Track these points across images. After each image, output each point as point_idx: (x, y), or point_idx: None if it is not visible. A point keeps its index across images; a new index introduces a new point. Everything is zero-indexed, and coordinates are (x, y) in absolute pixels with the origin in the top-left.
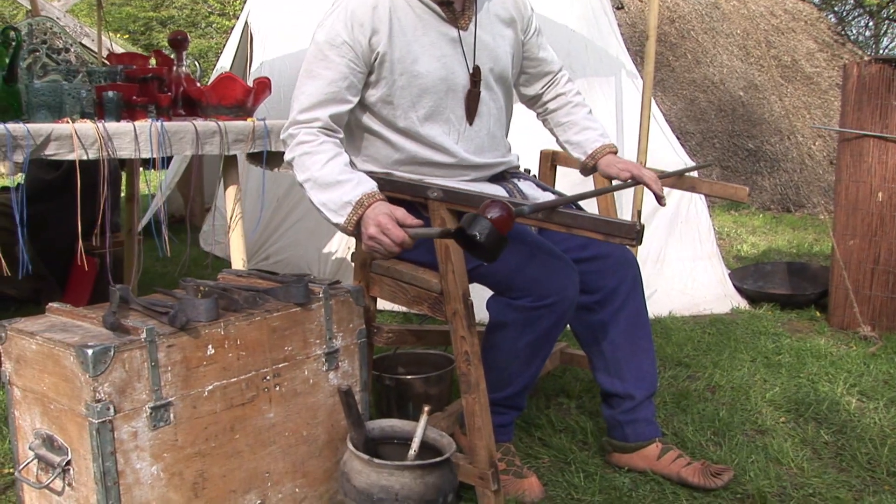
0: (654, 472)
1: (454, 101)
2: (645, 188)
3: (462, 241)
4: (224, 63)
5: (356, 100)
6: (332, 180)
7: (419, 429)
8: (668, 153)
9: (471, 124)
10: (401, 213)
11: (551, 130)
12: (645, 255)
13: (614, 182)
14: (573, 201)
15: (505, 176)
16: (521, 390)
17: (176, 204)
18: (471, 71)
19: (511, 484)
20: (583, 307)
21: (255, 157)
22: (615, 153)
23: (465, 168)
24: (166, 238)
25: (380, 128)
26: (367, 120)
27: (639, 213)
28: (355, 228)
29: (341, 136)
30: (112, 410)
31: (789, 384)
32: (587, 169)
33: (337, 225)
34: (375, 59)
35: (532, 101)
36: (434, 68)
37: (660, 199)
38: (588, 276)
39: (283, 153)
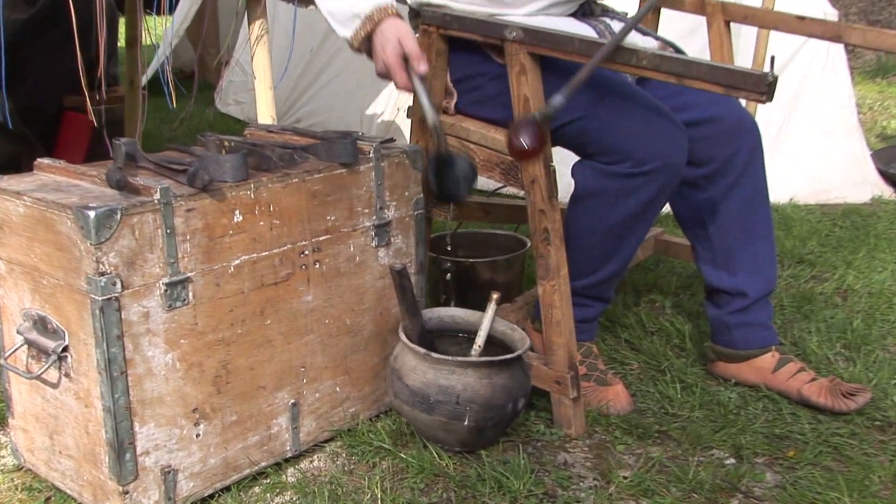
0: (769, 388)
1: None
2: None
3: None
4: None
5: None
6: None
7: (485, 320)
8: None
9: None
10: (410, 42)
11: None
12: (763, 125)
13: None
14: (612, 54)
15: (593, 10)
16: (608, 278)
17: (185, 57)
18: None
19: (593, 392)
20: (687, 183)
21: None
22: None
23: None
24: (171, 86)
25: None
26: None
27: (772, 59)
28: (363, 45)
29: None
30: (119, 286)
31: None
32: None
33: (345, 41)
34: None
35: None
36: None
37: None
38: (695, 144)
39: None
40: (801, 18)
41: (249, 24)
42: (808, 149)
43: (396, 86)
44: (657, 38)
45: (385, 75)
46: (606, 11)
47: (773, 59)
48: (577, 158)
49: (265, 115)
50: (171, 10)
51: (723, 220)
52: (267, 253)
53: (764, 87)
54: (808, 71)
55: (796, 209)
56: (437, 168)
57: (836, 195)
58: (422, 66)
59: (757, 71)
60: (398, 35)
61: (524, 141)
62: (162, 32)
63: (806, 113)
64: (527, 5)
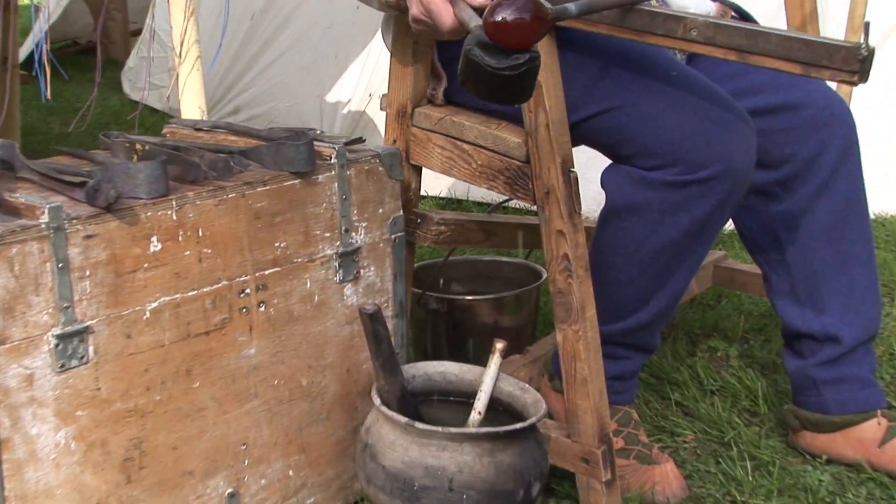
0: (874, 467)
1: None
2: None
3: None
4: None
5: None
6: None
7: (487, 377)
8: None
9: None
10: None
11: None
12: (861, 112)
13: None
14: None
15: None
16: (652, 321)
17: (81, 23)
18: None
19: (633, 472)
20: (757, 191)
21: None
22: None
23: None
24: (47, 70)
25: None
26: None
27: (866, 25)
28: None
29: None
30: None
31: None
32: None
33: None
34: None
35: None
36: None
37: None
38: (768, 140)
39: None
40: None
41: None
42: None
43: (440, 28)
44: None
45: (422, 28)
46: None
47: (867, 25)
48: (607, 161)
49: (191, 106)
50: None
51: (806, 239)
52: (195, 292)
53: (855, 63)
54: None
55: None
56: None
57: None
58: None
59: (846, 42)
60: None
61: (513, 10)
62: None
63: None
64: None
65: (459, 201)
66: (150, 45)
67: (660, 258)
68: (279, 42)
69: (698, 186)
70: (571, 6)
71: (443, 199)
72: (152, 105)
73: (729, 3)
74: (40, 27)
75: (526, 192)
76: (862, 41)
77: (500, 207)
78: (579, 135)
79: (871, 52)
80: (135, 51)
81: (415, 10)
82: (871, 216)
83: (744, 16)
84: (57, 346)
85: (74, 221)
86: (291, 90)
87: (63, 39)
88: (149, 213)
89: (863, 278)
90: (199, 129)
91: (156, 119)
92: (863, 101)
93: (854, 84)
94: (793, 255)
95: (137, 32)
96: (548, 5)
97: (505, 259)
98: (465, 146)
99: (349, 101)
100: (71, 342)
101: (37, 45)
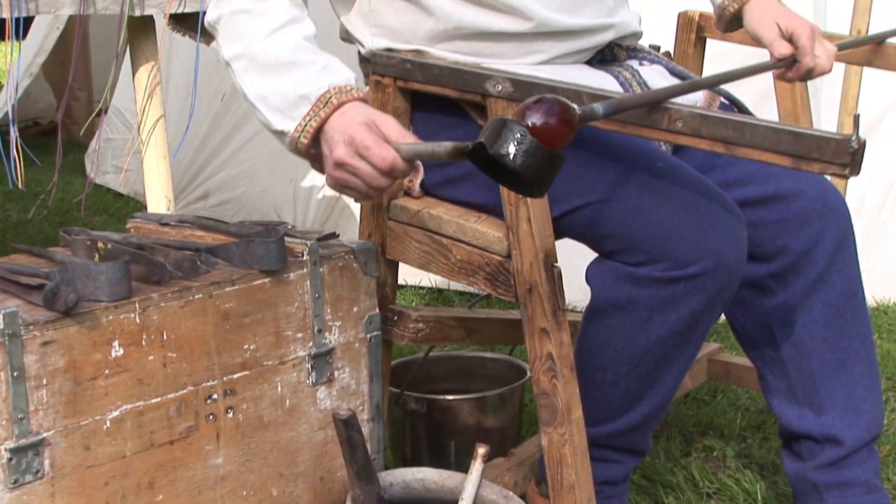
0: None
1: None
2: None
3: (484, 164)
4: None
5: None
6: (282, 59)
7: (469, 484)
8: None
9: None
10: (391, 124)
11: None
12: (860, 197)
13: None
14: (689, 90)
15: (616, 55)
16: (642, 422)
17: (42, 103)
18: None
19: None
20: (750, 285)
21: (183, 22)
22: None
23: (546, 38)
24: (16, 156)
25: None
26: None
27: (856, 117)
28: (312, 144)
29: None
30: None
31: None
32: (727, 16)
33: (280, 135)
34: None
35: None
36: None
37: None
38: (760, 232)
39: None
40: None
41: (134, 71)
42: None
43: (366, 180)
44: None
45: (343, 182)
46: (635, 51)
47: (857, 117)
48: (592, 254)
49: (157, 196)
50: (20, 34)
51: (802, 335)
52: (158, 399)
53: (846, 156)
54: None
55: None
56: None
57: None
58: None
59: (836, 135)
60: (369, 115)
61: (541, 114)
62: (6, 68)
63: None
64: (525, 56)
65: (440, 290)
66: (111, 125)
67: (649, 357)
68: (251, 124)
69: (687, 283)
70: (598, 107)
71: (423, 288)
72: (118, 190)
73: (719, 89)
74: (2, 108)
75: (507, 289)
76: (852, 134)
77: (483, 300)
78: (562, 228)
79: (863, 145)
80: (99, 132)
81: (335, 159)
82: (873, 304)
83: (733, 101)
84: (10, 460)
85: (31, 327)
86: (263, 174)
87: (24, 120)
88: (110, 317)
89: (863, 376)
90: (165, 224)
91: (121, 204)
92: (859, 185)
93: (846, 177)
94: (789, 353)
95: (102, 111)
96: (575, 107)
97: (487, 355)
98: (444, 240)
99: (323, 185)
100: (25, 456)
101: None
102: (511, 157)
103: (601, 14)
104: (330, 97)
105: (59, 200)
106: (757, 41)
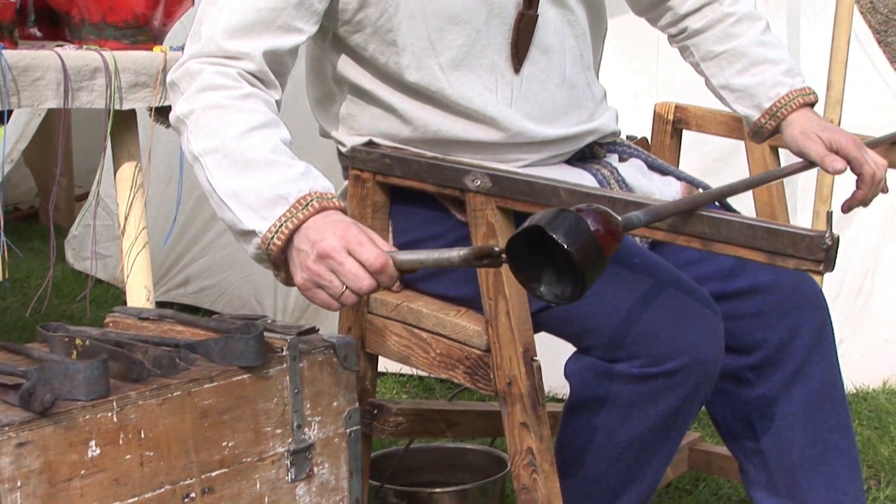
0: None
1: (500, 34)
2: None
3: (521, 262)
4: None
5: (311, 31)
6: (259, 158)
7: None
8: (889, 105)
9: (517, 71)
10: (378, 237)
11: (697, 66)
12: (838, 283)
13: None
14: (721, 197)
15: (595, 153)
16: None
17: (22, 188)
18: None
19: None
20: (729, 376)
21: (166, 114)
22: (813, 106)
23: (523, 147)
24: (2, 247)
25: (374, 85)
26: (350, 71)
27: (828, 214)
28: (285, 247)
29: (279, 95)
30: None
31: None
32: (764, 133)
33: (248, 235)
34: None
35: (656, 14)
36: None
37: (868, 189)
38: (738, 324)
39: None
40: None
41: (116, 167)
42: None
43: (350, 283)
44: (681, 178)
45: (319, 284)
46: (615, 145)
47: (829, 214)
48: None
49: (137, 287)
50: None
51: (782, 428)
52: (135, 499)
53: (820, 252)
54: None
55: (893, 397)
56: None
57: None
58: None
59: (810, 231)
60: (345, 232)
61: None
62: None
63: (895, 264)
64: (503, 163)
65: (421, 378)
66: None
67: (629, 452)
68: None
69: (665, 379)
70: (640, 215)
71: (403, 376)
72: (98, 277)
73: (696, 182)
74: None
75: (487, 383)
76: (826, 231)
77: (464, 391)
78: (540, 323)
79: (836, 241)
80: (79, 218)
81: (305, 275)
82: (851, 390)
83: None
84: None
85: (6, 429)
86: (245, 261)
87: (5, 205)
88: (87, 416)
89: (844, 468)
90: (145, 318)
91: (100, 290)
92: (837, 273)
93: (820, 273)
94: (768, 445)
95: (83, 197)
96: (616, 217)
97: (468, 446)
98: (423, 334)
99: None
100: None
101: None
102: (568, 246)
103: (581, 121)
104: (311, 200)
105: (38, 287)
106: (801, 156)
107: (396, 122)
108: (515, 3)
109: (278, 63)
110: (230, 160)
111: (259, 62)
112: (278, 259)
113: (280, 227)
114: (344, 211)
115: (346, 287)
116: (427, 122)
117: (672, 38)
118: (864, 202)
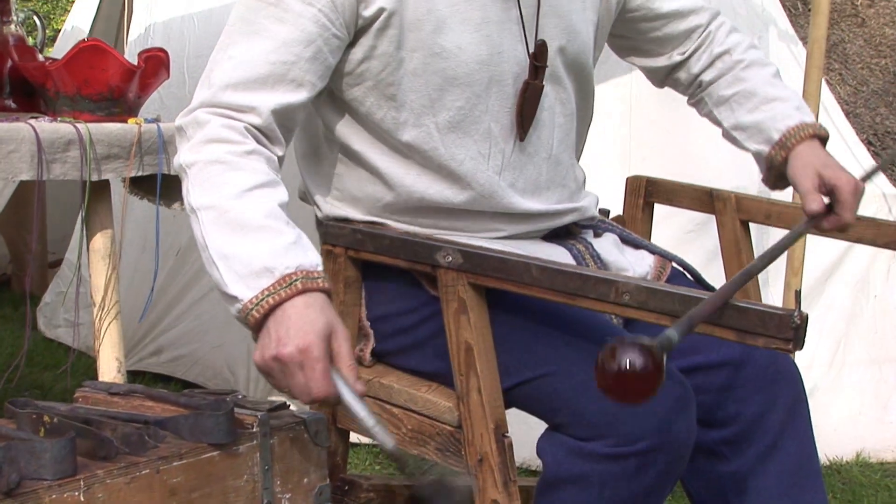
0: None
1: (498, 101)
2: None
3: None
4: (78, 22)
5: (321, 85)
6: (252, 222)
7: None
8: (846, 163)
9: (522, 139)
10: (345, 345)
11: (711, 114)
12: (809, 355)
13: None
14: (749, 278)
15: (570, 230)
16: None
17: None
18: (531, 50)
19: None
20: (703, 451)
21: (140, 185)
22: (824, 140)
23: (504, 218)
24: None
25: (363, 146)
26: (341, 130)
27: (797, 293)
28: (263, 319)
29: (282, 151)
30: None
31: None
32: (776, 166)
33: (231, 299)
34: (372, 21)
35: (674, 81)
36: (471, 43)
37: (830, 227)
38: (711, 399)
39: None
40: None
41: (90, 237)
42: (876, 384)
43: (294, 389)
44: (654, 252)
45: (271, 373)
46: (593, 220)
47: (797, 293)
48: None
49: (109, 360)
50: None
51: (757, 502)
52: None
53: (789, 331)
54: (868, 276)
55: (867, 469)
56: None
57: None
58: (358, 385)
59: (779, 310)
60: (329, 322)
61: (632, 360)
62: None
63: (866, 335)
64: (483, 232)
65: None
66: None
67: None
68: (206, 280)
69: (637, 459)
70: (673, 333)
71: (376, 447)
72: (69, 344)
73: (669, 255)
74: None
75: (458, 459)
76: (794, 309)
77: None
78: (512, 400)
79: (805, 320)
80: (52, 285)
81: (272, 353)
82: (825, 462)
83: (685, 267)
84: None
85: None
86: (217, 331)
87: None
88: (53, 496)
89: None
90: (115, 394)
91: (76, 361)
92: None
93: (790, 351)
94: None
95: (56, 264)
96: (654, 345)
97: None
98: (394, 410)
99: None
100: None
101: None
102: None
103: (563, 199)
104: (295, 280)
105: (9, 356)
106: (795, 188)
107: (381, 187)
108: (514, 73)
109: (288, 119)
110: (225, 220)
111: (266, 118)
112: (255, 327)
113: (261, 300)
114: (328, 292)
115: (291, 391)
116: (411, 187)
117: (690, 98)
118: (820, 228)
